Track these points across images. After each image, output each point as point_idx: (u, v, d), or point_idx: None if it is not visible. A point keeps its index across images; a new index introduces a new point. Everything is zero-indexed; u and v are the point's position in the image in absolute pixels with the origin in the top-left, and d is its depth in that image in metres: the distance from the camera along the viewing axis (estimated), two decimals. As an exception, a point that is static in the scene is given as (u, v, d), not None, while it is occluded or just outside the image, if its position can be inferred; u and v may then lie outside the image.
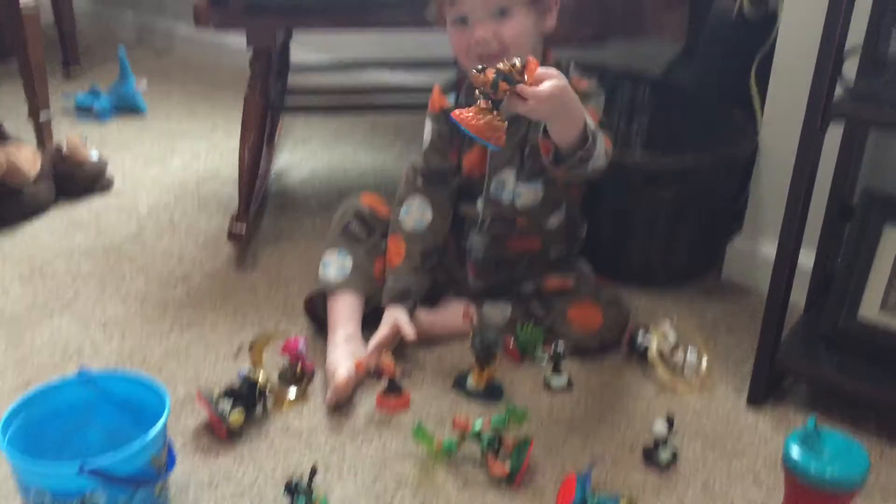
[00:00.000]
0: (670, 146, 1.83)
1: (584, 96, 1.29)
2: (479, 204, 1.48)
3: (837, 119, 1.21)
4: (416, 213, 1.49)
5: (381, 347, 1.39)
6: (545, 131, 1.24)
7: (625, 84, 1.87)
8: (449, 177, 1.50)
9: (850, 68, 1.25)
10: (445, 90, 1.50)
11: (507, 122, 1.14)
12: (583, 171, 1.27)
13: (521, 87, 1.13)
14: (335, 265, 1.47)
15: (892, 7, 1.20)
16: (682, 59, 1.88)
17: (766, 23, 1.68)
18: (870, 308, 1.34)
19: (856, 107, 1.18)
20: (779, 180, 1.54)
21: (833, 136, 1.30)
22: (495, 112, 1.12)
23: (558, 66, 1.27)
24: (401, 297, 1.44)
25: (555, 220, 1.49)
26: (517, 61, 1.13)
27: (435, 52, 2.08)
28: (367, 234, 1.50)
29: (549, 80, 1.15)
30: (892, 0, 1.24)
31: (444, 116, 1.45)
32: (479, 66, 1.14)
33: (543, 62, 1.22)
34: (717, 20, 1.75)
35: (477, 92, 1.13)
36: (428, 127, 1.50)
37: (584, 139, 1.23)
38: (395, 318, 1.41)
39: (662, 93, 1.85)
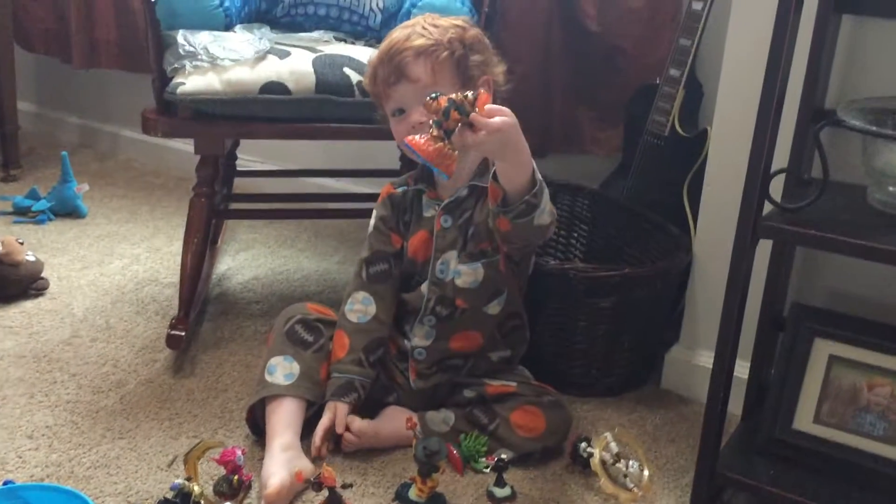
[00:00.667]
0: (609, 257, 1.89)
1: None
2: (424, 287, 1.50)
3: (766, 236, 1.27)
4: (359, 307, 1.51)
5: (325, 435, 1.40)
6: (494, 176, 1.29)
7: (564, 195, 1.93)
8: (392, 262, 1.53)
9: (778, 187, 1.31)
10: (396, 185, 1.57)
11: (456, 153, 1.18)
12: (528, 223, 1.31)
13: (473, 115, 1.18)
14: (281, 369, 1.45)
15: (812, 132, 1.28)
16: (618, 173, 1.95)
17: (697, 141, 1.77)
18: (804, 419, 1.37)
19: (782, 227, 1.23)
20: (713, 292, 1.60)
21: (764, 250, 1.35)
22: (446, 141, 1.16)
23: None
24: (344, 392, 1.44)
25: (495, 308, 1.50)
26: (469, 94, 1.18)
27: (378, 161, 2.14)
28: (314, 338, 1.49)
29: (500, 116, 1.21)
30: (811, 126, 1.33)
31: (389, 202, 1.54)
32: (434, 94, 1.19)
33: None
34: (651, 138, 1.83)
35: (431, 120, 1.17)
36: (374, 215, 1.56)
37: (532, 186, 1.28)
38: (335, 410, 1.42)
39: (600, 205, 1.92)
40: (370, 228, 1.56)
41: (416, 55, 1.41)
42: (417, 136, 1.19)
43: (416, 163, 1.44)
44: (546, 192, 1.33)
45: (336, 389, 1.45)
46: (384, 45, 1.45)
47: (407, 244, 1.52)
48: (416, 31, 1.43)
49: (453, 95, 1.18)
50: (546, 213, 1.34)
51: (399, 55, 1.41)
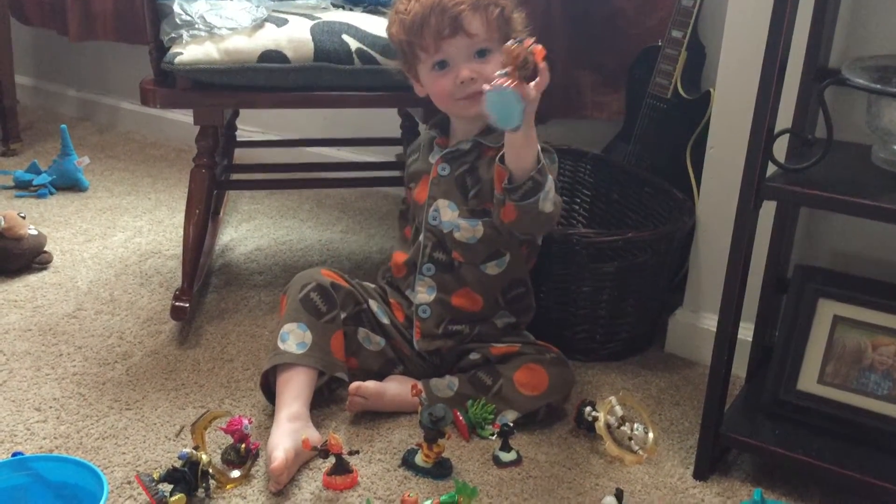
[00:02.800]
0: (612, 222, 1.88)
1: (544, 151, 1.38)
2: (422, 236, 1.52)
3: (770, 197, 1.26)
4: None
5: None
6: (501, 159, 1.33)
7: (566, 161, 1.93)
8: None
9: (782, 148, 1.31)
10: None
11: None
12: (533, 207, 1.33)
13: (542, 66, 1.25)
14: (294, 337, 1.44)
15: (816, 91, 1.27)
16: (621, 137, 1.94)
17: (700, 103, 1.75)
18: (808, 380, 1.37)
19: (786, 188, 1.23)
20: (717, 255, 1.59)
21: (767, 211, 1.35)
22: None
23: None
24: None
25: (494, 269, 1.50)
26: (531, 45, 1.23)
27: (378, 130, 2.13)
28: (328, 307, 1.47)
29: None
30: (815, 86, 1.32)
31: (407, 155, 1.62)
32: (518, 39, 1.24)
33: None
34: (653, 101, 1.82)
35: (508, 69, 1.23)
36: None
37: (537, 163, 1.32)
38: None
39: (603, 170, 1.91)
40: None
41: (473, 9, 1.39)
42: (497, 83, 1.23)
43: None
44: (550, 177, 1.35)
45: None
46: None
47: (415, 188, 1.56)
48: None
49: (524, 45, 1.22)
50: (550, 199, 1.36)
51: (456, 7, 1.39)
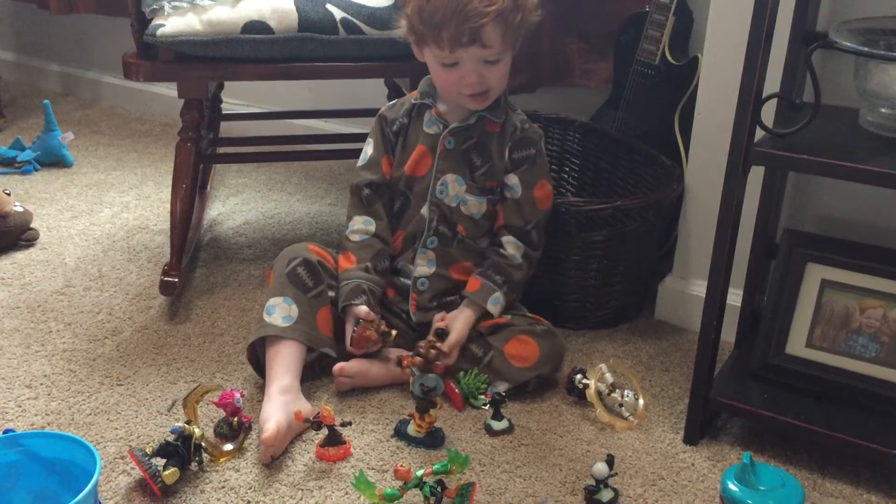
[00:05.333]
0: (600, 190, 1.88)
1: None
2: (425, 210, 1.52)
3: (759, 163, 1.26)
4: (360, 227, 1.54)
5: (358, 343, 1.43)
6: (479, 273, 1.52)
7: (555, 129, 1.92)
8: (384, 186, 1.56)
9: (770, 113, 1.30)
10: (390, 105, 1.59)
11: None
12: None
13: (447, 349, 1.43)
14: (280, 311, 1.44)
15: (804, 55, 1.26)
16: (609, 105, 1.93)
17: (688, 69, 1.75)
18: (797, 344, 1.38)
19: (774, 152, 1.23)
20: (705, 222, 1.59)
21: (755, 177, 1.35)
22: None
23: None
24: (354, 295, 1.46)
25: (485, 242, 1.54)
26: (438, 335, 1.43)
27: (365, 100, 2.11)
28: (314, 282, 1.47)
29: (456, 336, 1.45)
30: (803, 50, 1.31)
31: (379, 123, 1.56)
32: (430, 341, 1.43)
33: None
34: (641, 67, 1.81)
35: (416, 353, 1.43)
36: (368, 142, 1.58)
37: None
38: (351, 314, 1.45)
39: (591, 138, 1.90)
40: (363, 157, 1.57)
41: (493, 21, 1.37)
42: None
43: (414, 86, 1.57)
44: (516, 291, 1.53)
45: (346, 295, 1.47)
46: None
47: (406, 159, 1.53)
48: None
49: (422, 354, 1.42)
50: (522, 285, 1.54)
51: (479, 19, 1.36)
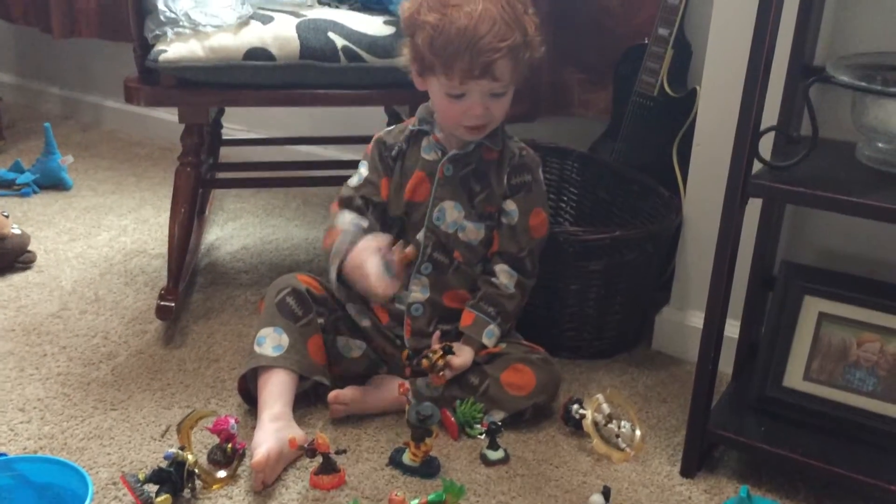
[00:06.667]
0: (599, 220, 1.88)
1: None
2: (421, 235, 1.51)
3: (756, 195, 1.26)
4: (351, 218, 1.49)
5: (400, 259, 1.41)
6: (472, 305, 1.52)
7: (553, 159, 1.93)
8: (372, 206, 1.52)
9: (767, 145, 1.31)
10: (387, 132, 1.57)
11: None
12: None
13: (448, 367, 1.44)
14: (270, 341, 1.44)
15: (801, 89, 1.27)
16: (608, 135, 1.94)
17: (686, 101, 1.76)
18: (794, 377, 1.38)
19: (772, 185, 1.23)
20: (703, 253, 1.60)
21: (753, 209, 1.35)
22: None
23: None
24: (354, 236, 1.42)
25: (479, 269, 1.54)
26: (439, 353, 1.43)
27: (364, 127, 2.12)
28: (303, 311, 1.47)
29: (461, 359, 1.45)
30: (800, 83, 1.32)
31: (377, 148, 1.54)
32: (425, 354, 1.44)
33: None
34: (640, 99, 1.82)
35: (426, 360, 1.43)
36: (363, 164, 1.55)
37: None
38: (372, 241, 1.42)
39: (590, 168, 1.91)
40: (356, 178, 1.54)
41: (505, 55, 1.37)
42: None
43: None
44: (509, 321, 1.53)
45: (351, 238, 1.42)
46: (465, 23, 1.35)
47: (404, 184, 1.51)
48: (502, 18, 1.36)
49: (429, 358, 1.43)
50: (516, 314, 1.54)
51: (491, 54, 1.36)
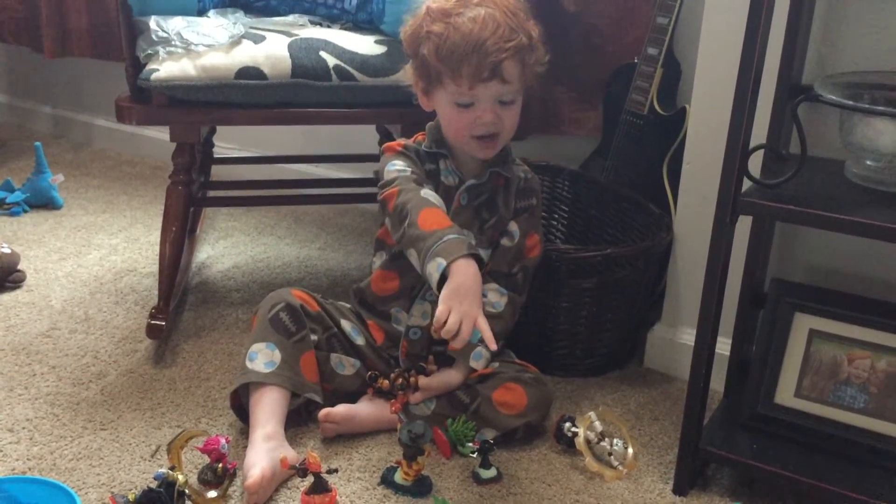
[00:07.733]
0: (590, 238, 1.89)
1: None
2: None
3: (746, 212, 1.27)
4: (435, 194, 1.42)
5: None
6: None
7: (544, 177, 1.93)
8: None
9: (756, 163, 1.32)
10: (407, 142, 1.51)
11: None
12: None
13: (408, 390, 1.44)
14: (262, 357, 1.43)
15: (790, 108, 1.28)
16: (598, 153, 1.95)
17: (676, 119, 1.77)
18: (785, 393, 1.38)
19: (761, 203, 1.24)
20: (694, 270, 1.60)
21: (743, 227, 1.36)
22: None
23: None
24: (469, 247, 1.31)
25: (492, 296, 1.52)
26: (411, 374, 1.44)
27: (357, 146, 2.13)
28: (297, 327, 1.46)
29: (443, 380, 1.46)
30: (789, 102, 1.33)
31: (406, 152, 1.46)
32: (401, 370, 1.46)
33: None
34: (630, 117, 1.83)
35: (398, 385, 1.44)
36: (394, 165, 1.44)
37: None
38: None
39: (581, 186, 1.92)
40: (398, 169, 1.44)
41: (512, 56, 1.37)
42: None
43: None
44: (499, 341, 1.47)
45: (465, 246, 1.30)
46: (469, 28, 1.36)
47: None
48: (506, 23, 1.37)
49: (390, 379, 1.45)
50: (504, 333, 1.52)
51: (499, 54, 1.36)
